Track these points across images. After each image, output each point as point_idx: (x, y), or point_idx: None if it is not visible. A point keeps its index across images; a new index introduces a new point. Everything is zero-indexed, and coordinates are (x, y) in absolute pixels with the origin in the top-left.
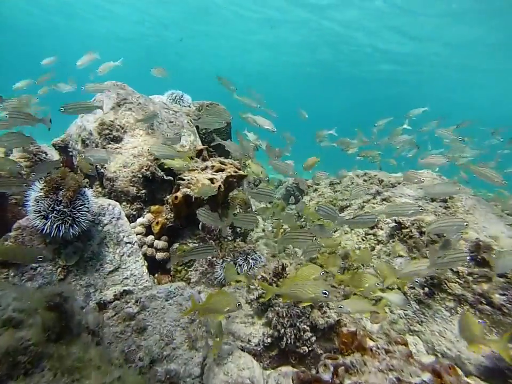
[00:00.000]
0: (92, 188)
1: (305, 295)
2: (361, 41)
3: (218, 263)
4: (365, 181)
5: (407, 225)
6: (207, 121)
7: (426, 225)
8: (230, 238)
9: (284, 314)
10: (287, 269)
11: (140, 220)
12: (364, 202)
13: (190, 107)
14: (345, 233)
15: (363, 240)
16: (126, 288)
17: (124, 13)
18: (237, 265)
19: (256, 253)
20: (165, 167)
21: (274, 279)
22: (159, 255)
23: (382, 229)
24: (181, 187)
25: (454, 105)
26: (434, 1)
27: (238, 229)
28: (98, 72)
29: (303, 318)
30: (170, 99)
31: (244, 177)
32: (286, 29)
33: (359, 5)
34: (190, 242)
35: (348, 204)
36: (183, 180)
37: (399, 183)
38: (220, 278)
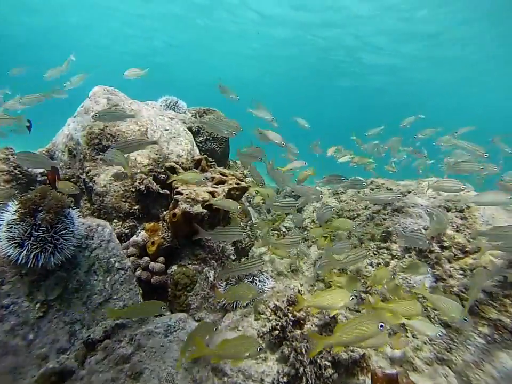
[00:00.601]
0: (80, 201)
1: (364, 336)
2: (352, 51)
3: (221, 286)
4: (371, 190)
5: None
6: (215, 125)
7: (448, 239)
8: (233, 257)
9: (303, 350)
10: (303, 295)
11: (133, 240)
12: (373, 213)
13: (185, 113)
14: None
15: (374, 254)
16: (118, 321)
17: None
18: None
19: (263, 274)
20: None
21: (289, 308)
22: (155, 279)
23: (395, 242)
24: (179, 202)
25: (445, 111)
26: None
27: (239, 244)
28: (125, 75)
29: (323, 352)
30: (164, 105)
31: (246, 189)
32: (277, 36)
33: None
34: (189, 264)
35: (356, 215)
36: (181, 194)
37: (409, 192)
38: (224, 301)
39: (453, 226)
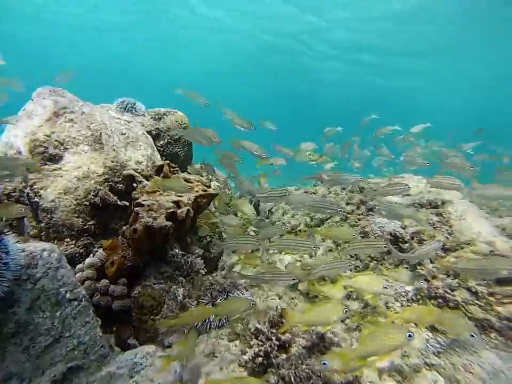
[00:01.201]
0: (24, 219)
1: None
2: (312, 48)
3: (192, 305)
4: (343, 189)
5: (406, 239)
6: (193, 135)
7: (427, 237)
8: (203, 272)
9: (292, 379)
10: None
11: (89, 260)
12: (347, 213)
13: (144, 116)
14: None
15: (352, 256)
16: (72, 364)
17: None
18: None
19: (237, 289)
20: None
21: (273, 331)
22: (117, 304)
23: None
24: (140, 215)
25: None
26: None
27: (208, 254)
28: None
29: (314, 378)
30: (120, 108)
31: (214, 196)
32: (235, 35)
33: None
34: (155, 284)
35: (328, 216)
36: (142, 205)
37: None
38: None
39: (429, 223)
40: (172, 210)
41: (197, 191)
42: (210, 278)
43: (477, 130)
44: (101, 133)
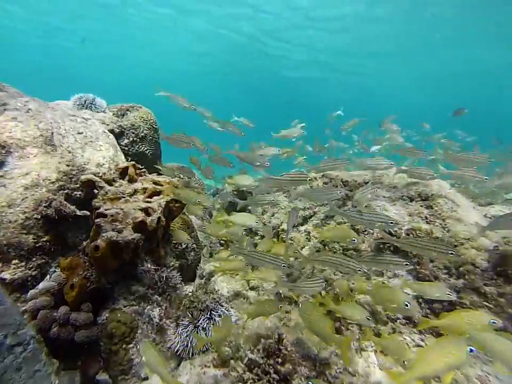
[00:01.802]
0: None
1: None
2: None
3: (170, 327)
4: (325, 183)
5: (401, 236)
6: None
7: (424, 234)
8: (180, 286)
9: None
10: (284, 340)
11: (43, 285)
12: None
13: (105, 113)
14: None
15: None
16: None
17: None
18: (200, 328)
19: (222, 306)
20: (79, 196)
21: (270, 363)
22: (81, 335)
23: (363, 242)
24: (102, 228)
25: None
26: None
27: (184, 262)
28: None
29: None
30: (78, 104)
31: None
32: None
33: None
34: (126, 306)
35: (311, 214)
36: (105, 216)
37: (366, 183)
38: (176, 347)
39: (421, 217)
40: (140, 219)
41: (168, 195)
42: (190, 294)
43: (457, 111)
44: (52, 133)
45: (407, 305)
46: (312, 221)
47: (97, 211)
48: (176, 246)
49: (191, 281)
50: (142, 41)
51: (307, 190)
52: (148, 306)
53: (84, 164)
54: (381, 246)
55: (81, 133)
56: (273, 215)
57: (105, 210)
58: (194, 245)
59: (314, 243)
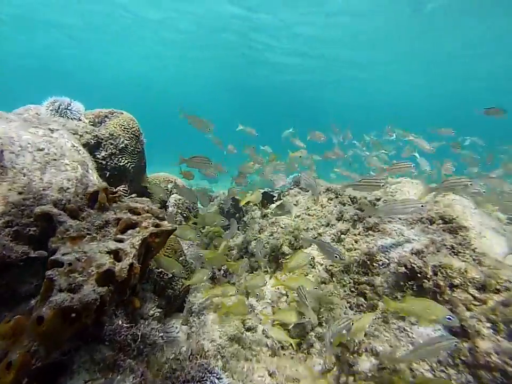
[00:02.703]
0: None
1: None
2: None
3: None
4: (330, 199)
5: (428, 275)
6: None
7: (457, 274)
8: (162, 342)
9: None
10: None
11: None
12: (340, 233)
13: (79, 121)
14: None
15: (352, 292)
16: None
17: None
18: None
19: (211, 373)
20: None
21: None
22: None
23: (378, 275)
24: (55, 284)
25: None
26: None
27: (171, 292)
28: None
29: None
30: (51, 109)
31: (170, 233)
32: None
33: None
34: (88, 382)
35: (316, 235)
36: (60, 264)
37: (378, 200)
38: None
39: (448, 248)
40: (106, 267)
41: (146, 227)
42: (171, 358)
43: (490, 109)
44: (1, 151)
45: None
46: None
47: (51, 258)
48: (162, 275)
49: (179, 311)
50: (130, 42)
51: (384, 205)
52: (118, 377)
53: (43, 190)
54: (402, 283)
55: (43, 149)
56: (271, 235)
57: (62, 255)
58: (183, 273)
59: (321, 272)
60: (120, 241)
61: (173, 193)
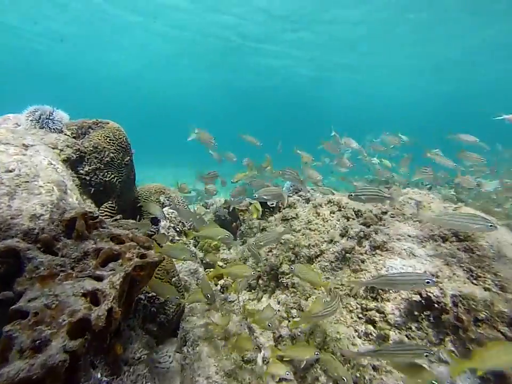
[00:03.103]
0: None
1: None
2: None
3: None
4: (332, 213)
5: (447, 306)
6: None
7: (482, 307)
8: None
9: None
10: None
11: None
12: (345, 251)
13: (60, 133)
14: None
15: (360, 318)
16: None
17: None
18: None
19: None
20: None
21: None
22: None
23: (389, 301)
24: (14, 342)
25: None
26: None
27: (163, 317)
28: None
29: None
30: (32, 119)
31: (157, 264)
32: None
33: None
34: None
35: (318, 252)
36: (24, 314)
37: (384, 213)
38: None
39: (465, 271)
40: (80, 315)
41: (130, 259)
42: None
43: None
44: None
45: None
46: (319, 261)
47: (12, 308)
48: (153, 300)
49: (173, 336)
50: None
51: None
52: None
53: (11, 218)
54: (416, 313)
55: (13, 170)
56: (270, 251)
57: (28, 302)
58: (177, 298)
59: (324, 295)
60: (99, 278)
61: (165, 206)
